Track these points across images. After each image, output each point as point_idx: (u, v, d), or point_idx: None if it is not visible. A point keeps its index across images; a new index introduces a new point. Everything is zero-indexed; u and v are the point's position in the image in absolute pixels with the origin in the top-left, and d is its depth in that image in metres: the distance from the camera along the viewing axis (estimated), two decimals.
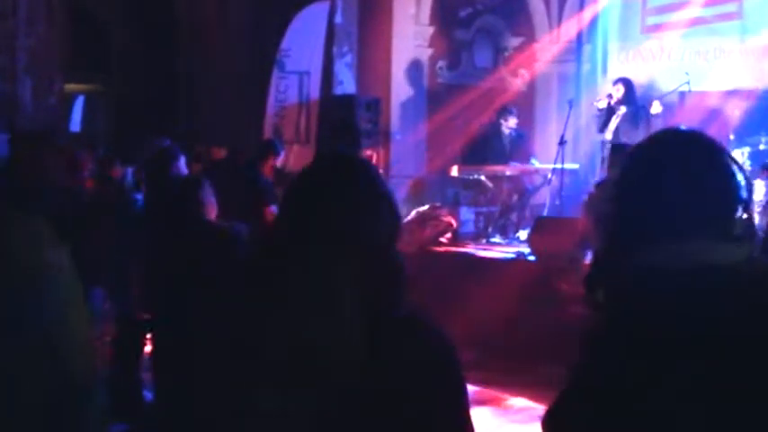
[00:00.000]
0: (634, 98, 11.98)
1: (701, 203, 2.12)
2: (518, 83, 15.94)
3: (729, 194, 2.15)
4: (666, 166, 2.16)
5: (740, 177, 2.16)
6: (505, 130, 13.29)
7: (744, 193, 2.16)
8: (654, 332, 2.04)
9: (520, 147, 13.35)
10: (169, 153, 7.76)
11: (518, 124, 13.44)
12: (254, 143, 12.56)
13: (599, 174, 12.37)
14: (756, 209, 9.38)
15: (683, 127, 2.39)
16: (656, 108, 11.59)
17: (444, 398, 2.11)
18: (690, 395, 1.98)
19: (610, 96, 11.97)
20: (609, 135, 11.87)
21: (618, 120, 11.81)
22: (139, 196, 8.36)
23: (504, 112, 13.47)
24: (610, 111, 11.98)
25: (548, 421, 2.26)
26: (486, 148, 13.49)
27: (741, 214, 2.14)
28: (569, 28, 15.33)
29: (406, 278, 2.17)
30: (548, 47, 15.63)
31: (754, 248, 2.17)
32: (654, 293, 2.07)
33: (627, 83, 12.01)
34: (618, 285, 2.17)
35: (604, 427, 2.12)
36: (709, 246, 2.08)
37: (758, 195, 9.69)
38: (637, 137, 10.88)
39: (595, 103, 12.36)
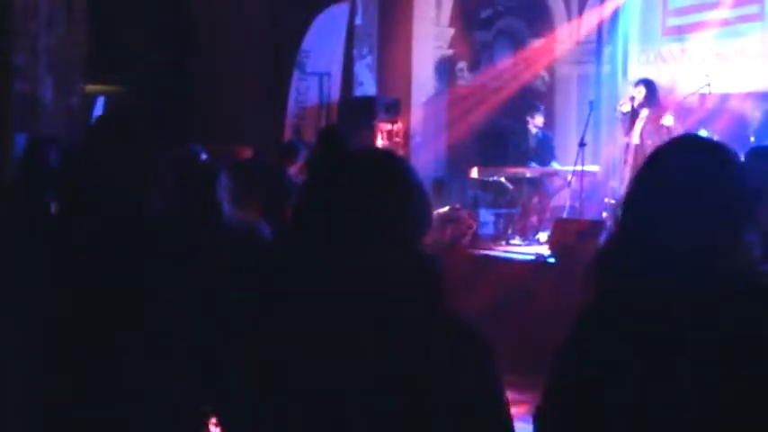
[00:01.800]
0: (657, 99, 11.89)
1: (711, 208, 2.14)
2: (538, 84, 15.92)
3: (739, 202, 2.19)
4: (679, 169, 2.20)
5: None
6: (532, 129, 13.23)
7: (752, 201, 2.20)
8: (644, 325, 2.07)
9: (545, 148, 13.29)
10: (211, 172, 7.69)
11: (542, 127, 13.41)
12: (274, 144, 12.57)
13: (620, 177, 12.31)
14: None
15: (702, 133, 2.45)
16: (667, 120, 11.46)
17: (484, 397, 2.10)
18: (679, 389, 2.00)
19: (632, 99, 11.87)
20: (635, 139, 11.77)
21: (642, 122, 11.73)
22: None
23: (530, 109, 13.42)
24: (634, 113, 11.88)
25: (540, 413, 2.29)
26: (509, 147, 13.45)
27: (749, 221, 2.18)
28: (589, 29, 15.30)
29: (438, 277, 2.16)
30: (568, 47, 15.61)
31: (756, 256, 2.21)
32: (651, 287, 2.10)
33: (648, 84, 11.90)
34: (615, 277, 2.21)
35: (596, 418, 2.13)
36: (717, 246, 2.11)
37: None
38: (661, 139, 10.83)
39: (619, 107, 12.26)
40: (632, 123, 11.82)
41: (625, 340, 2.12)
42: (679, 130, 10.74)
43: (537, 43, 15.90)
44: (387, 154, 2.38)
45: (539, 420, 2.33)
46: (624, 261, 2.20)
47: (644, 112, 11.70)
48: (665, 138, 10.75)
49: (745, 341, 2.02)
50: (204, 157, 7.84)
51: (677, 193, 2.18)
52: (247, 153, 12.49)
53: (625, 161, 11.96)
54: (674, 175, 2.22)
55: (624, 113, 11.98)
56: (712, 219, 2.15)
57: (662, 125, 11.41)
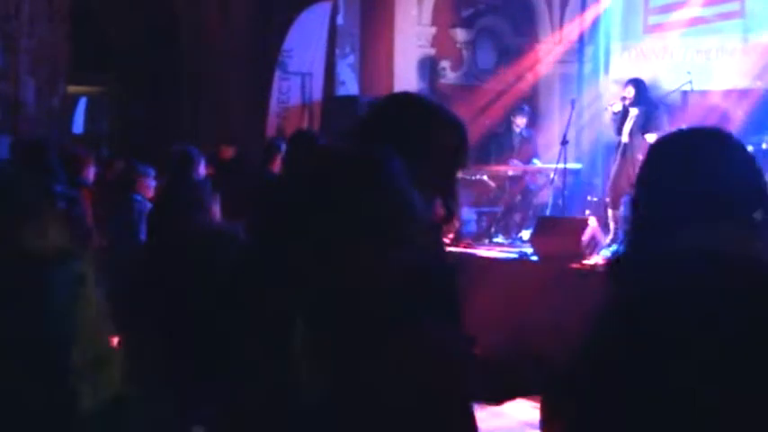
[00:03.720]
0: (645, 98, 11.89)
1: (726, 193, 2.15)
2: (520, 83, 15.93)
3: (753, 186, 2.19)
4: (693, 157, 2.21)
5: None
6: (516, 129, 13.28)
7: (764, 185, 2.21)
8: (659, 318, 2.06)
9: (529, 146, 13.33)
10: (189, 157, 7.80)
11: (525, 124, 13.44)
12: (258, 144, 12.56)
13: (607, 174, 12.34)
14: None
15: (711, 126, 2.46)
16: (650, 138, 11.47)
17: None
18: (690, 384, 2.00)
19: (623, 99, 11.89)
20: (625, 138, 11.80)
21: (632, 122, 11.75)
22: (138, 197, 8.37)
23: (516, 109, 13.48)
24: (625, 113, 11.90)
25: (546, 402, 2.28)
26: (494, 144, 13.47)
27: (761, 205, 2.19)
28: (572, 28, 15.31)
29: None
30: (550, 47, 15.62)
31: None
32: (664, 278, 2.09)
33: (637, 84, 11.92)
34: (629, 269, 2.20)
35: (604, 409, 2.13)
36: (727, 233, 2.11)
37: None
38: (651, 138, 10.87)
39: (609, 108, 12.26)
40: (623, 122, 11.85)
41: (643, 341, 2.12)
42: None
43: (519, 42, 15.91)
44: (361, 153, 2.33)
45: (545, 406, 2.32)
46: (641, 257, 2.20)
47: (633, 112, 11.72)
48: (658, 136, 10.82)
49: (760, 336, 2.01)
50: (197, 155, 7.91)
51: (698, 176, 2.18)
52: (229, 152, 12.48)
53: (615, 160, 11.99)
54: (694, 159, 2.22)
55: (615, 113, 12.00)
56: (739, 198, 2.16)
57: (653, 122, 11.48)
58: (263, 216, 2.25)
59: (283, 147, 10.60)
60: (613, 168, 11.76)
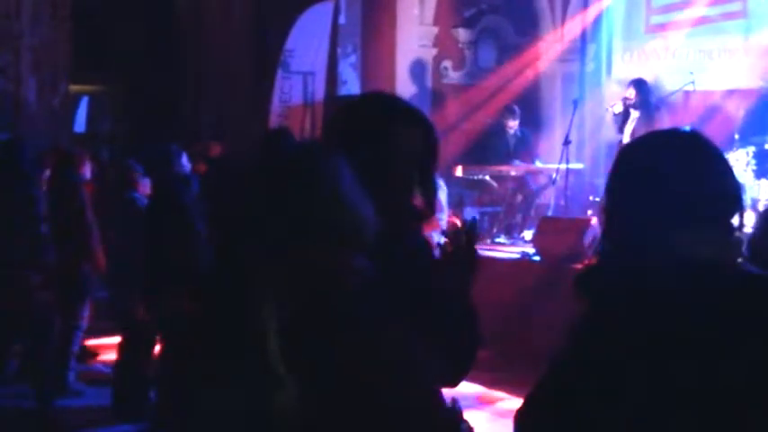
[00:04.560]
0: (647, 100, 11.86)
1: (701, 202, 2.12)
2: (522, 83, 15.91)
3: (728, 195, 2.16)
4: (667, 164, 2.17)
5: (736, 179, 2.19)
6: (509, 130, 13.27)
7: (741, 195, 2.18)
8: (636, 329, 2.05)
9: (525, 146, 13.31)
10: (171, 152, 7.82)
11: (522, 124, 13.41)
12: (259, 143, 12.53)
13: (605, 173, 12.33)
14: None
15: (686, 128, 2.40)
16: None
17: None
18: (667, 395, 1.99)
19: (625, 100, 11.87)
20: (626, 138, 11.77)
21: (633, 123, 11.73)
22: (137, 195, 8.39)
23: (505, 111, 13.47)
24: (626, 114, 11.88)
25: (520, 417, 2.27)
26: (489, 147, 13.47)
27: (737, 215, 2.16)
28: (573, 27, 15.30)
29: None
30: (552, 46, 15.61)
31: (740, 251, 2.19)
32: (639, 290, 2.08)
33: (638, 85, 11.90)
34: (605, 281, 2.18)
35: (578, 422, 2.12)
36: (703, 243, 2.09)
37: (764, 194, 9.69)
38: None
39: (610, 108, 12.25)
40: (624, 123, 11.83)
41: (621, 346, 2.10)
42: None
43: (521, 42, 15.89)
44: (312, 153, 2.28)
45: (519, 422, 2.31)
46: (612, 265, 2.18)
47: (634, 114, 11.71)
48: None
49: (743, 336, 2.00)
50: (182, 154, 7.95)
51: (670, 185, 2.14)
52: (217, 149, 12.45)
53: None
54: (667, 166, 2.19)
55: (616, 114, 11.98)
56: (713, 209, 2.13)
57: (653, 123, 11.44)
58: (223, 215, 2.27)
59: None
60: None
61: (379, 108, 2.81)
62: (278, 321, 2.02)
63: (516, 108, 13.57)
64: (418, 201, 2.74)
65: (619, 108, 11.87)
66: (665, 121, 11.52)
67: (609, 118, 12.31)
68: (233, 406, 2.03)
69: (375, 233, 2.17)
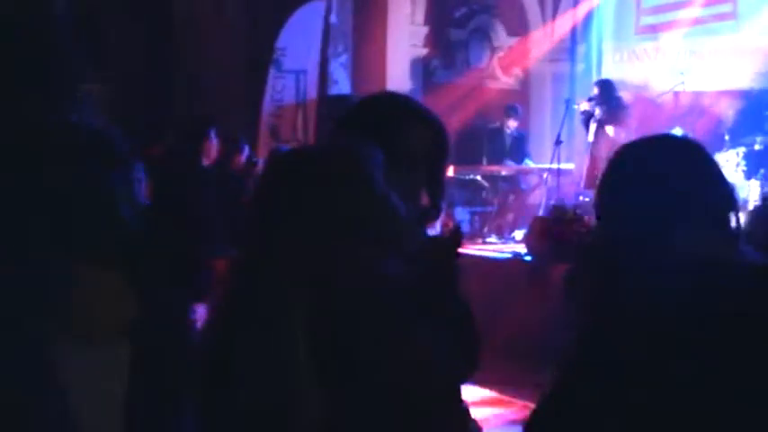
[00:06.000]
0: (608, 98, 11.94)
1: (700, 201, 2.14)
2: (512, 82, 15.93)
3: (725, 194, 2.18)
4: (665, 163, 2.19)
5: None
6: (507, 130, 13.31)
7: (736, 195, 2.20)
8: (650, 327, 2.05)
9: (520, 147, 13.35)
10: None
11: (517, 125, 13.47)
12: (252, 142, 12.53)
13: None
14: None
15: (676, 131, 2.42)
16: (610, 131, 11.59)
17: None
18: (681, 394, 1.99)
19: (590, 99, 11.99)
20: (591, 137, 11.87)
21: (596, 122, 11.82)
22: None
23: (508, 111, 13.50)
24: (591, 112, 11.98)
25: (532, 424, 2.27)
26: (485, 146, 13.49)
27: (733, 214, 2.18)
28: (563, 27, 15.33)
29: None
30: (541, 44, 15.62)
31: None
32: (639, 289, 2.08)
33: (602, 84, 12.07)
34: (608, 281, 2.18)
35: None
36: (703, 242, 2.10)
37: (754, 195, 9.73)
38: (618, 135, 10.95)
39: (575, 107, 12.37)
40: (588, 121, 11.93)
41: (621, 347, 2.10)
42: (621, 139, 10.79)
43: (511, 42, 15.91)
44: (338, 152, 2.32)
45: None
46: (611, 265, 2.19)
47: (597, 112, 11.79)
48: (611, 142, 10.91)
49: (745, 332, 2.01)
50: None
51: (668, 186, 2.16)
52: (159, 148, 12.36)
53: (586, 161, 12.08)
54: (644, 168, 2.21)
55: (582, 112, 12.07)
56: (711, 209, 2.15)
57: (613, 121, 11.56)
58: (255, 217, 2.26)
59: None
60: (584, 169, 11.89)
61: (392, 107, 2.80)
62: (309, 314, 2.03)
63: (519, 108, 13.60)
64: (425, 201, 2.75)
65: (585, 106, 11.98)
66: (626, 116, 11.61)
67: (577, 117, 12.44)
68: (256, 399, 2.04)
69: (410, 234, 2.20)
